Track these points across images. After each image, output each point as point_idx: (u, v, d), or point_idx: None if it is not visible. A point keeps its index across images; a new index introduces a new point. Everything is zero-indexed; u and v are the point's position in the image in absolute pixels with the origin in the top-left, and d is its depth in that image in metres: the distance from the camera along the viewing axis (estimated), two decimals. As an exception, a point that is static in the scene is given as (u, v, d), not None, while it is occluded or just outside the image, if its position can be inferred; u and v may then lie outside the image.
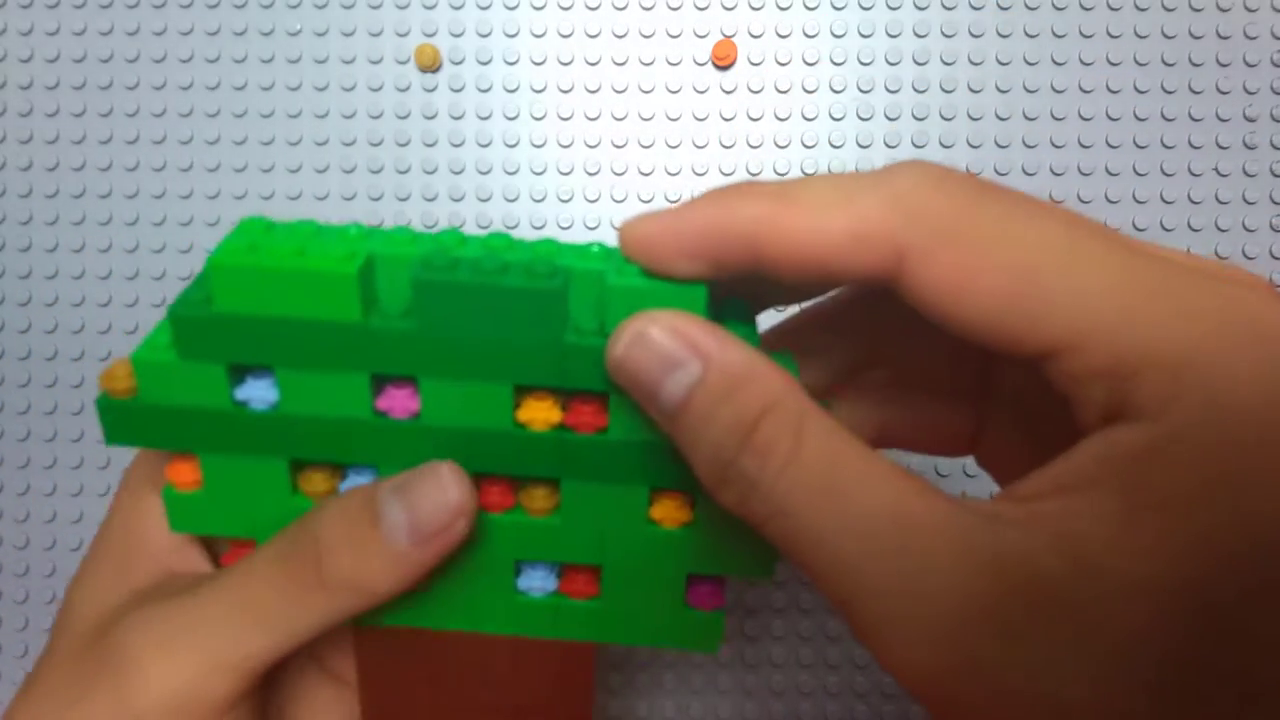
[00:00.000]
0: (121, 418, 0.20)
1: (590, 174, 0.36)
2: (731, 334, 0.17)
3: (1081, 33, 0.35)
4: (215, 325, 0.18)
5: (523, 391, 0.19)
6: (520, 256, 0.19)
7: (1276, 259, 0.35)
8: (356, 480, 0.21)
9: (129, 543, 0.22)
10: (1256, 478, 0.14)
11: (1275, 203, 0.35)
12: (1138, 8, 0.35)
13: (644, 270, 0.18)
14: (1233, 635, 0.14)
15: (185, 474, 0.21)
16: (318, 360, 0.19)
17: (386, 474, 0.20)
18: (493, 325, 0.18)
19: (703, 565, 0.21)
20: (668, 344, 0.17)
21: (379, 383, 0.19)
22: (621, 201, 0.36)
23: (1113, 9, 0.35)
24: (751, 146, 0.35)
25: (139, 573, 0.22)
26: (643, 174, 0.35)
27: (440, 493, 0.19)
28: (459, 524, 0.19)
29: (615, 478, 0.20)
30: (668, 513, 0.20)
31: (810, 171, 0.35)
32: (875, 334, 0.22)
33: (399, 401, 0.19)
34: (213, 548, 0.23)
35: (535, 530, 0.21)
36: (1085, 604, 0.14)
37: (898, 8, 0.35)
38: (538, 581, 0.22)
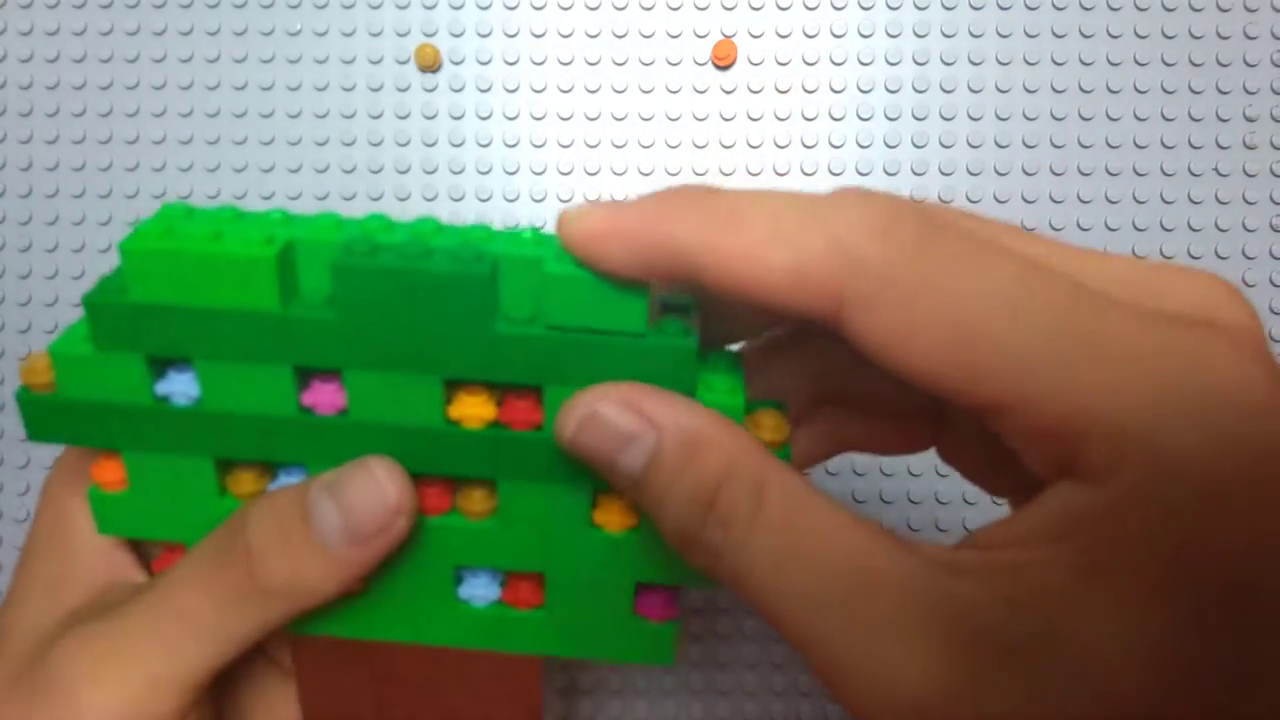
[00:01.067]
0: (42, 412, 0.19)
1: (590, 174, 0.36)
2: (685, 399, 0.17)
3: (1081, 33, 0.35)
4: (130, 314, 0.18)
5: (455, 386, 0.19)
6: (448, 241, 0.18)
7: (1276, 259, 0.35)
8: (287, 480, 0.20)
9: (58, 557, 0.21)
10: (1203, 536, 0.14)
11: (1275, 203, 0.35)
12: (1138, 8, 0.35)
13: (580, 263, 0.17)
14: (1187, 689, 0.14)
15: (110, 473, 0.20)
16: (237, 352, 0.18)
17: (316, 472, 0.19)
18: (418, 314, 0.17)
19: (651, 573, 0.20)
20: (619, 420, 0.16)
21: (304, 377, 0.19)
22: (621, 201, 0.36)
23: (1113, 9, 0.35)
24: (751, 146, 0.35)
25: (72, 588, 0.21)
26: (643, 174, 0.35)
27: (376, 489, 0.18)
28: (398, 523, 0.19)
29: (553, 477, 0.19)
30: (611, 517, 0.19)
31: (810, 173, 0.35)
32: (826, 367, 0.21)
33: (325, 396, 0.19)
34: (145, 552, 0.22)
35: (474, 535, 0.20)
36: (1040, 657, 0.14)
37: (898, 8, 0.35)
38: (480, 590, 0.21)
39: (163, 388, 0.19)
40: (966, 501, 0.36)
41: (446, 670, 0.22)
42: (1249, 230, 0.35)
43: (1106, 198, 0.35)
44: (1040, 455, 0.15)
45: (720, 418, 0.17)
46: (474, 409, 0.18)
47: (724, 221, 0.16)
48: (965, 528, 0.36)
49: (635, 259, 0.16)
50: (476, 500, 0.20)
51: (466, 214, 0.36)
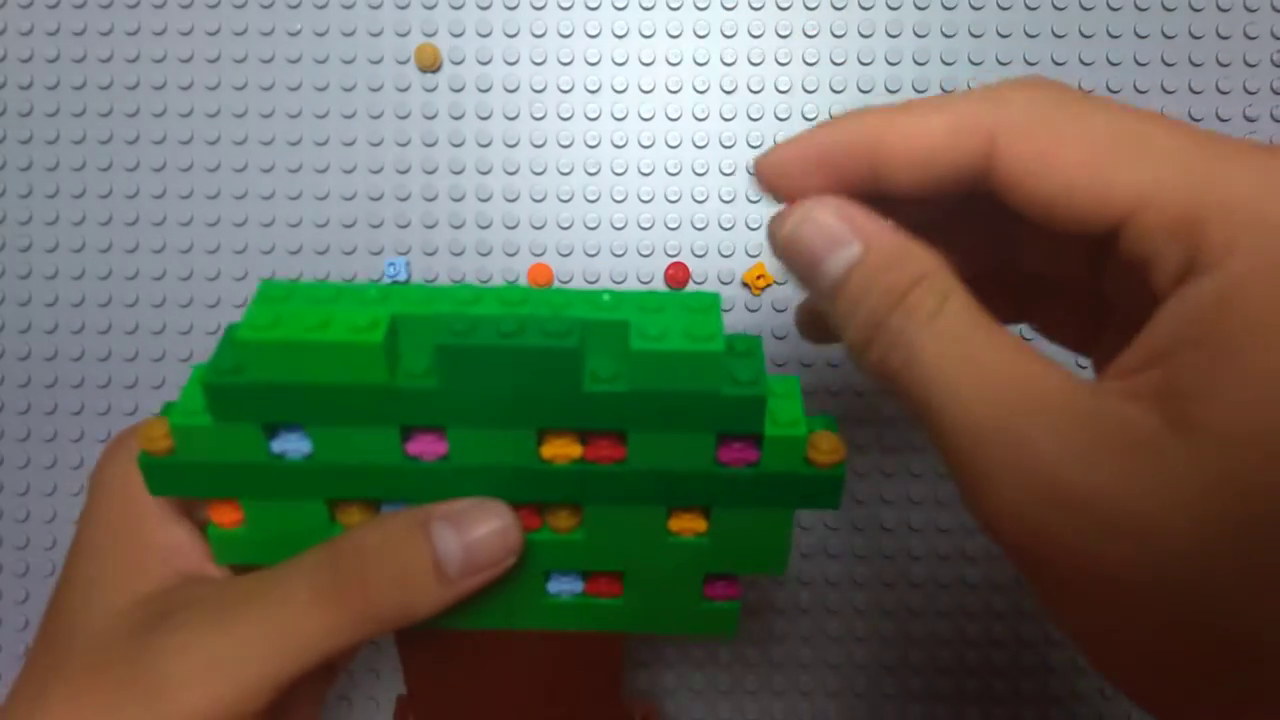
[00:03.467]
0: (162, 473, 0.21)
1: (590, 174, 0.36)
2: (883, 221, 0.19)
3: (1081, 33, 0.35)
4: (248, 393, 0.19)
5: (545, 431, 0.20)
6: (534, 310, 0.19)
7: (1276, 259, 0.35)
8: (391, 507, 0.22)
9: (130, 545, 0.22)
10: None
11: (1275, 203, 0.35)
12: (1138, 8, 0.35)
13: (665, 297, 0.20)
14: None
15: (227, 515, 0.22)
16: (348, 417, 0.20)
17: (420, 501, 0.21)
18: (514, 381, 0.19)
19: (719, 566, 0.22)
20: (833, 224, 0.18)
21: (408, 430, 0.20)
22: (622, 201, 0.36)
23: (1113, 9, 0.35)
24: (751, 146, 0.35)
25: (146, 577, 0.22)
26: (643, 174, 0.35)
27: (499, 530, 0.20)
28: (510, 560, 0.21)
29: (634, 501, 0.21)
30: (685, 524, 0.22)
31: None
32: (983, 245, 0.23)
33: (428, 446, 0.20)
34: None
35: (562, 545, 0.22)
36: (1178, 450, 0.14)
37: (898, 8, 0.35)
38: (566, 585, 0.23)
39: (278, 446, 0.20)
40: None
41: (537, 644, 0.24)
42: (1249, 230, 0.35)
43: (1106, 198, 0.35)
44: (1165, 259, 0.16)
45: (916, 241, 0.18)
46: (563, 449, 0.20)
47: (892, 110, 0.18)
48: (965, 529, 0.36)
49: (820, 167, 0.19)
50: (563, 518, 0.22)
51: (466, 214, 0.36)
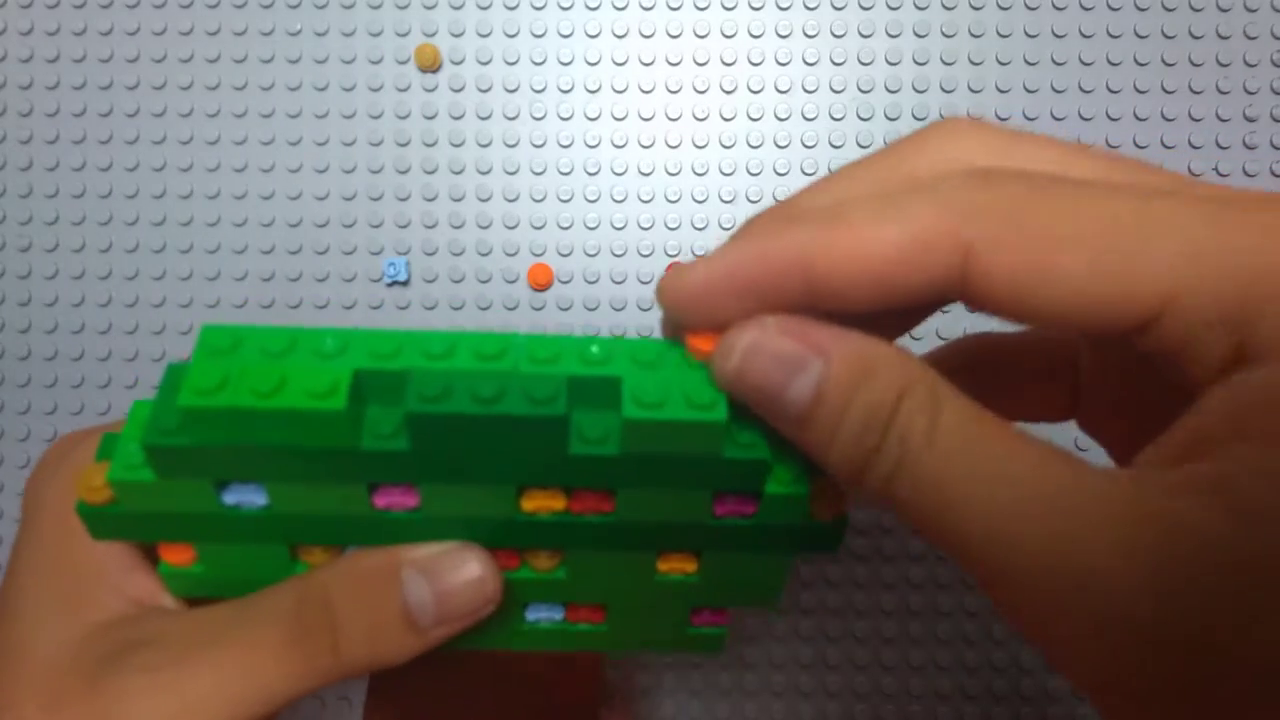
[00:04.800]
0: (104, 521, 0.19)
1: (590, 174, 0.36)
2: (836, 326, 0.16)
3: (1081, 33, 0.35)
4: (192, 455, 0.17)
5: (527, 485, 0.19)
6: (514, 365, 0.17)
7: (1276, 259, 0.35)
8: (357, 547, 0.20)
9: (73, 573, 0.20)
10: None
11: (1275, 203, 0.35)
12: (1138, 8, 0.35)
13: (663, 347, 0.17)
14: None
15: (178, 554, 0.20)
16: (308, 476, 0.18)
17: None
18: (492, 447, 0.17)
19: (709, 601, 0.21)
20: (785, 347, 0.16)
21: (375, 484, 0.19)
22: (622, 201, 0.36)
23: (1113, 9, 0.35)
24: (751, 146, 0.35)
25: (96, 606, 0.20)
26: (643, 174, 0.35)
27: (474, 580, 0.19)
28: (487, 609, 0.19)
29: (621, 548, 0.20)
30: (674, 565, 0.20)
31: (811, 173, 0.35)
32: (951, 349, 0.21)
33: (397, 499, 0.19)
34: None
35: (543, 583, 0.21)
36: (1264, 562, 0.13)
37: (898, 8, 0.35)
38: (545, 614, 0.22)
39: (230, 498, 0.19)
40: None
41: (513, 654, 0.23)
42: (1249, 230, 0.35)
43: (1106, 198, 0.35)
44: (1207, 351, 0.14)
45: (879, 340, 0.16)
46: (545, 502, 0.19)
47: (825, 221, 0.15)
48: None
49: (744, 297, 0.16)
50: (544, 559, 0.20)
51: (466, 214, 0.36)
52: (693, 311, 0.16)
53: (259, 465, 0.18)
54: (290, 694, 0.19)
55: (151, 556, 0.21)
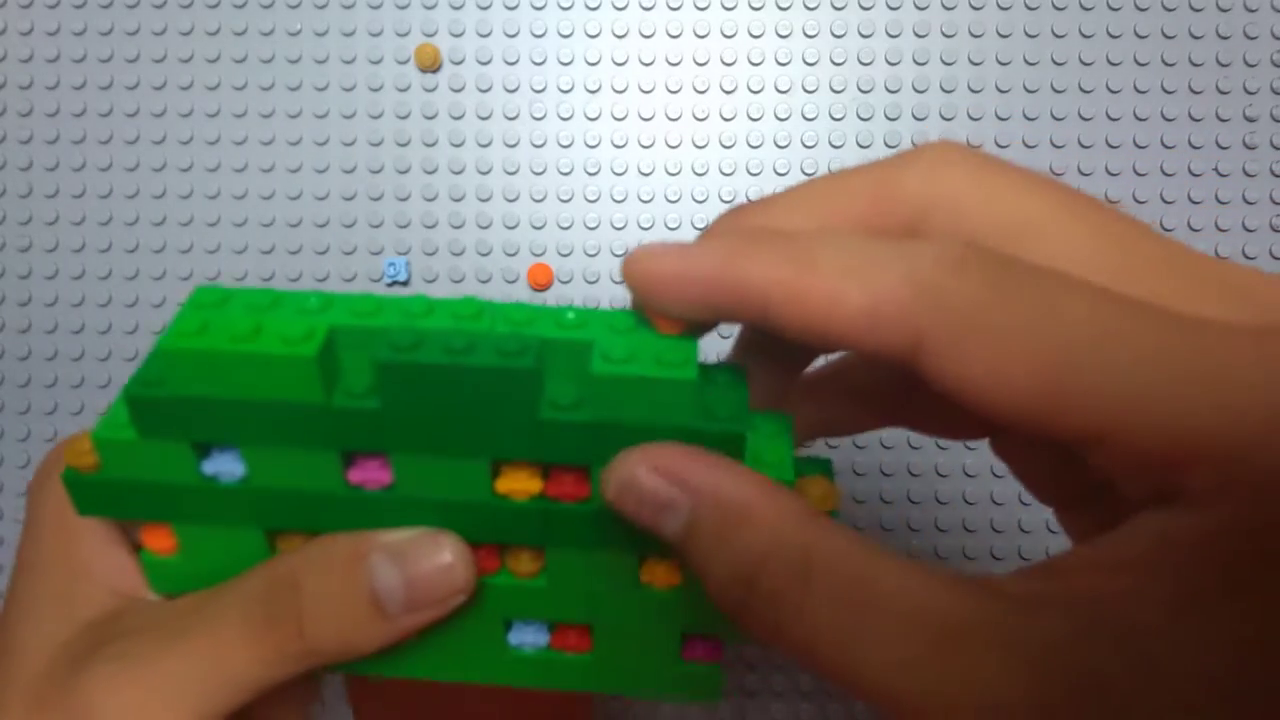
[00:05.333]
0: (89, 491, 0.19)
1: (590, 174, 0.36)
2: (726, 461, 0.16)
3: (1081, 33, 0.35)
4: (171, 407, 0.18)
5: (500, 461, 0.19)
6: (489, 326, 0.18)
7: (1276, 259, 0.35)
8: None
9: (67, 571, 0.21)
10: None
11: (1275, 203, 0.35)
12: (1138, 8, 0.35)
13: (638, 317, 0.17)
14: None
15: (160, 540, 0.20)
16: (281, 437, 0.18)
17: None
18: (463, 404, 0.17)
19: (697, 625, 0.20)
20: (655, 487, 0.16)
21: (349, 455, 0.19)
22: (621, 201, 0.36)
23: (1113, 9, 0.35)
24: (751, 146, 0.35)
25: (86, 603, 0.20)
26: (643, 174, 0.35)
27: (444, 566, 0.19)
28: (459, 599, 0.19)
29: (601, 545, 0.19)
30: (658, 576, 0.20)
31: (810, 172, 0.35)
32: (884, 396, 0.21)
33: (371, 474, 0.19)
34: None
35: (522, 592, 0.20)
36: (1133, 697, 0.13)
37: (898, 8, 0.35)
38: (529, 637, 0.21)
39: (209, 467, 0.19)
40: (966, 502, 0.36)
41: (498, 693, 0.22)
42: (1249, 230, 0.35)
43: (1106, 197, 0.35)
44: (1136, 481, 0.14)
45: (763, 483, 0.16)
46: (520, 484, 0.18)
47: (795, 262, 0.15)
48: (965, 528, 0.36)
49: (703, 304, 0.16)
50: (525, 561, 0.20)
51: (466, 214, 0.36)
52: (657, 301, 0.17)
53: (235, 422, 0.18)
54: (261, 680, 0.19)
55: (137, 547, 0.22)
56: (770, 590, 0.15)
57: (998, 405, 0.14)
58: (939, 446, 0.36)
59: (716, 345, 0.36)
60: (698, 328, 0.17)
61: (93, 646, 0.20)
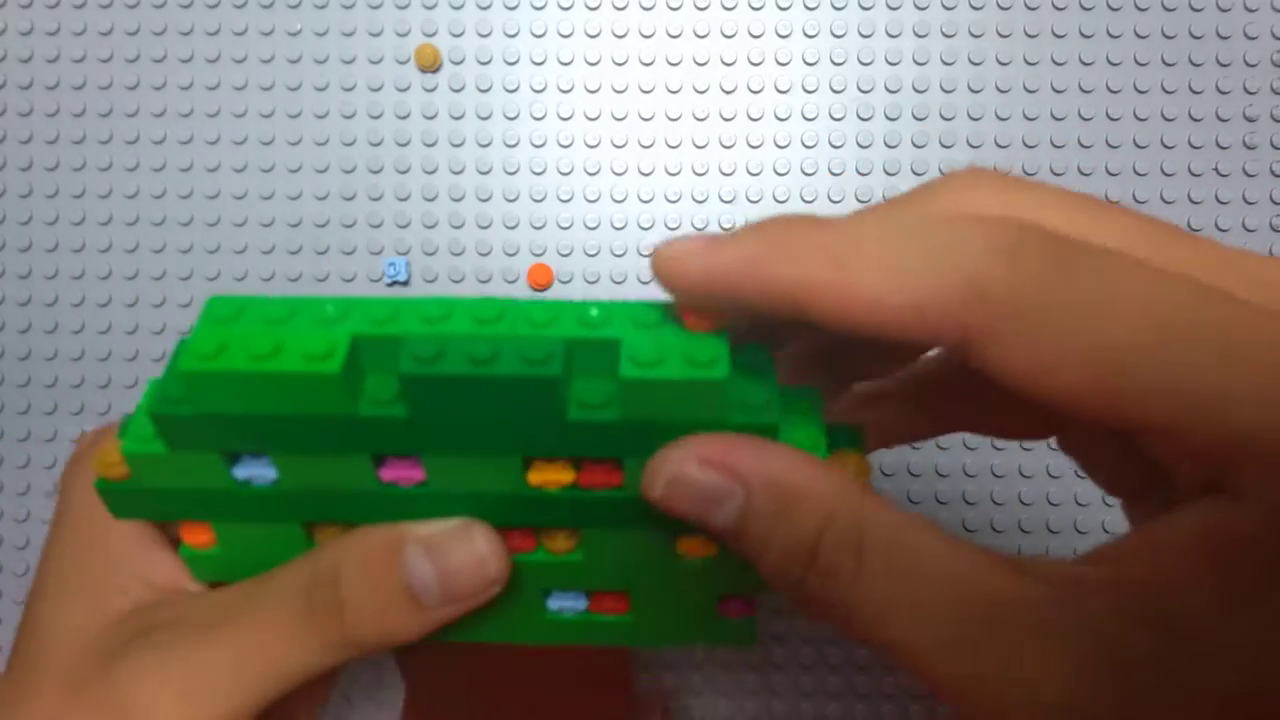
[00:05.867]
0: (122, 498, 0.19)
1: (590, 174, 0.36)
2: (771, 444, 0.16)
3: (1081, 33, 0.35)
4: (195, 424, 0.18)
5: (531, 456, 0.19)
6: (511, 329, 0.17)
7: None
8: None
9: (100, 560, 0.21)
10: None
11: (1275, 203, 0.35)
12: (1138, 8, 0.35)
13: (664, 310, 0.17)
14: None
15: (198, 535, 0.20)
16: (311, 446, 0.18)
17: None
18: (489, 411, 0.17)
19: (732, 587, 0.21)
20: (705, 480, 0.16)
21: (380, 456, 0.19)
22: (621, 201, 0.36)
23: (1113, 9, 0.35)
24: (751, 146, 0.35)
25: (119, 594, 0.21)
26: (643, 174, 0.35)
27: (477, 559, 0.19)
28: (493, 590, 0.19)
29: (636, 524, 0.19)
30: (693, 547, 0.20)
31: (810, 172, 0.35)
32: (942, 404, 0.21)
33: (403, 472, 0.19)
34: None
35: (560, 567, 0.20)
36: (1176, 684, 0.14)
37: (898, 8, 0.35)
38: (568, 603, 0.21)
39: (241, 472, 0.19)
40: (995, 502, 0.36)
41: (542, 657, 0.22)
42: (1249, 230, 0.35)
43: (1106, 198, 0.35)
44: (1186, 471, 0.15)
45: (811, 462, 0.16)
46: (553, 475, 0.18)
47: (830, 259, 0.15)
48: (994, 529, 0.36)
49: (730, 293, 0.16)
50: (560, 540, 0.20)
51: (466, 214, 0.36)
52: (687, 294, 0.16)
53: (263, 434, 0.18)
54: (302, 671, 0.19)
55: (174, 540, 0.22)
56: (826, 566, 0.15)
57: (1049, 396, 0.14)
58: (995, 447, 0.36)
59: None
60: (728, 322, 0.17)
61: (129, 637, 0.20)
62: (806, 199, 0.35)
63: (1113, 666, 0.14)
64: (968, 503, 0.36)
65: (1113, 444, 0.19)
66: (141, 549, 0.21)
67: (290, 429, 0.17)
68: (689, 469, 0.16)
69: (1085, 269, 0.14)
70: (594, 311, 0.18)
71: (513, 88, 0.35)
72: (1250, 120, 0.35)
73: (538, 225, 0.36)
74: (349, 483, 0.19)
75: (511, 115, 0.35)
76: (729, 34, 0.35)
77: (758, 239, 0.15)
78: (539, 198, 0.36)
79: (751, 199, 0.35)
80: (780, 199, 0.35)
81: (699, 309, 0.17)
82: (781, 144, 0.35)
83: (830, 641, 0.36)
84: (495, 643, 0.23)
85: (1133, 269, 0.14)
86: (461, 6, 0.35)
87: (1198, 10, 0.35)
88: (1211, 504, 0.14)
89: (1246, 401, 0.13)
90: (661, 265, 0.16)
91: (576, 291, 0.36)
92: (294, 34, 0.36)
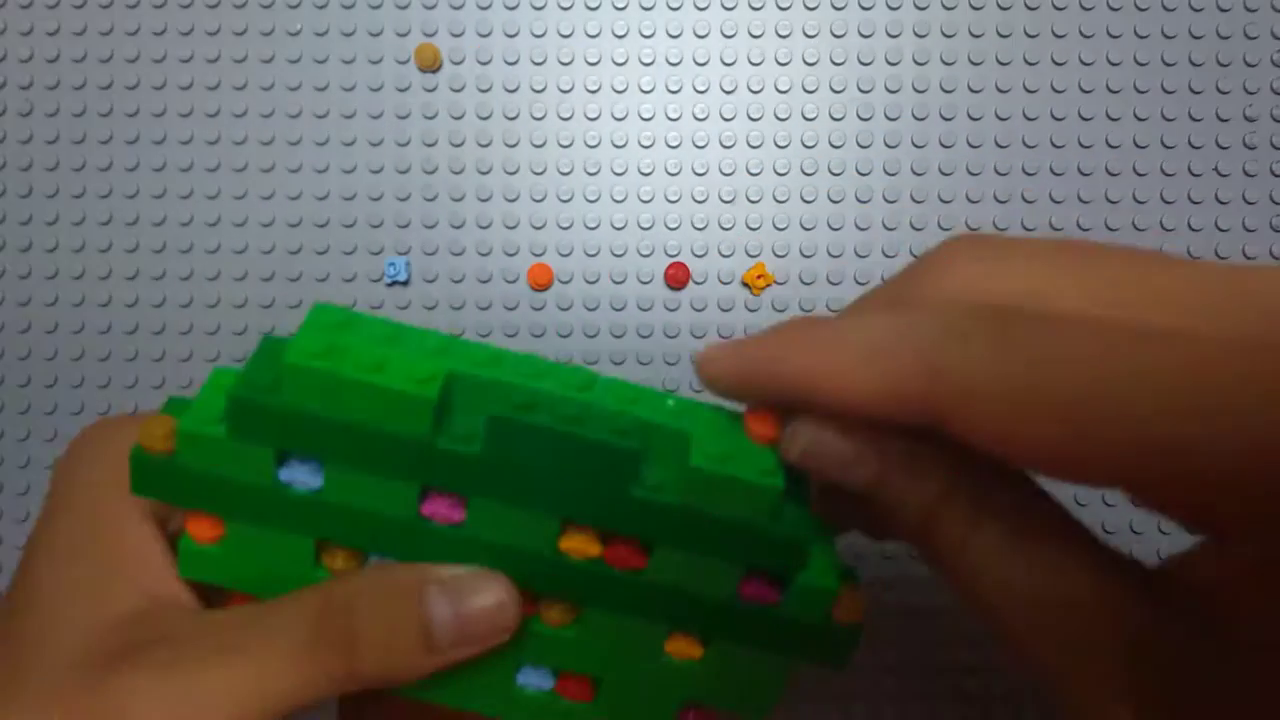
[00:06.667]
0: (152, 473, 0.19)
1: (590, 174, 0.36)
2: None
3: (1081, 33, 0.35)
4: (277, 415, 0.18)
5: (568, 521, 0.19)
6: (598, 399, 0.19)
7: (1277, 259, 0.35)
8: (378, 560, 0.21)
9: (103, 564, 0.20)
10: None
11: (1275, 203, 0.35)
12: (1138, 8, 0.35)
13: (730, 417, 0.19)
14: None
15: (206, 529, 0.20)
16: (374, 464, 0.18)
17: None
18: (560, 468, 0.18)
19: (701, 696, 0.21)
20: (842, 447, 0.18)
21: (427, 489, 0.19)
22: (622, 201, 0.36)
23: (1113, 9, 0.35)
24: (751, 146, 0.35)
25: (116, 598, 0.20)
26: (643, 174, 0.35)
27: (497, 607, 0.19)
28: (503, 637, 0.20)
29: (640, 614, 0.20)
30: (680, 648, 0.21)
31: (810, 172, 0.35)
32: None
33: (444, 510, 0.19)
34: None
35: (549, 640, 0.21)
36: (1239, 709, 0.15)
37: (898, 8, 0.35)
38: (535, 679, 0.22)
39: (285, 474, 0.19)
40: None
41: None
42: (1249, 230, 0.35)
43: (1106, 198, 0.35)
44: (1181, 516, 0.15)
45: (929, 452, 0.17)
46: (583, 545, 0.19)
47: (822, 350, 0.17)
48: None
49: (759, 394, 0.18)
50: (558, 612, 0.21)
51: (466, 214, 0.36)
52: (723, 393, 0.19)
53: (333, 441, 0.18)
54: (300, 700, 0.19)
55: (173, 540, 0.21)
56: (944, 531, 0.17)
57: (1023, 462, 0.15)
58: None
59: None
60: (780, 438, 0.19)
61: (125, 648, 0.19)
62: (806, 199, 0.35)
63: (1179, 686, 0.15)
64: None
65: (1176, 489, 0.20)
66: (144, 555, 0.21)
67: (363, 442, 0.18)
68: (827, 438, 0.18)
69: (1027, 340, 0.15)
70: (670, 403, 0.20)
71: (513, 88, 0.35)
72: (1250, 120, 0.35)
73: (538, 225, 0.36)
74: (389, 507, 0.19)
75: (511, 115, 0.35)
76: (729, 34, 0.35)
77: (771, 337, 0.18)
78: (539, 198, 0.36)
79: (751, 199, 0.35)
80: (780, 199, 0.35)
81: (757, 412, 0.19)
82: (781, 144, 0.35)
83: None
84: (450, 708, 0.22)
85: (1073, 330, 0.15)
86: (461, 6, 0.35)
87: (1198, 10, 0.35)
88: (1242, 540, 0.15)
89: (1194, 445, 0.13)
90: (701, 367, 0.19)
91: (577, 291, 0.36)
92: (294, 34, 0.36)
